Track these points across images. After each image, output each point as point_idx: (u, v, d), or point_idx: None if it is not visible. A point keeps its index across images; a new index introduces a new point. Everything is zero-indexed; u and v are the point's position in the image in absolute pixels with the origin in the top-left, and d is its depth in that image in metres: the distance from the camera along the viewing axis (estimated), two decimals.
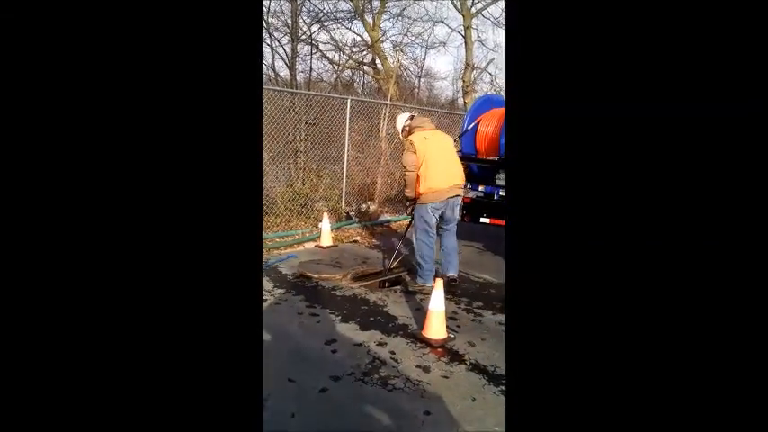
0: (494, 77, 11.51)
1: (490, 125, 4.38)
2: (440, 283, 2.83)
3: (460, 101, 11.41)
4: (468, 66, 9.98)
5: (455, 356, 2.63)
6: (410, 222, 3.97)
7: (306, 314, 3.13)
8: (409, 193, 3.68)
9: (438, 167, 3.58)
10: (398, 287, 3.80)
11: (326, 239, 4.96)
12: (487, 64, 11.36)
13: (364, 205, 7.00)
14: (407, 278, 3.99)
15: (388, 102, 8.06)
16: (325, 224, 5.00)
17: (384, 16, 10.29)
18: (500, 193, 4.29)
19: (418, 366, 2.50)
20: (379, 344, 2.74)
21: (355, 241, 5.36)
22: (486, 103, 4.67)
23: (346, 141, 6.15)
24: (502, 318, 3.25)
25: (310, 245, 5.03)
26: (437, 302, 2.81)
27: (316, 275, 3.83)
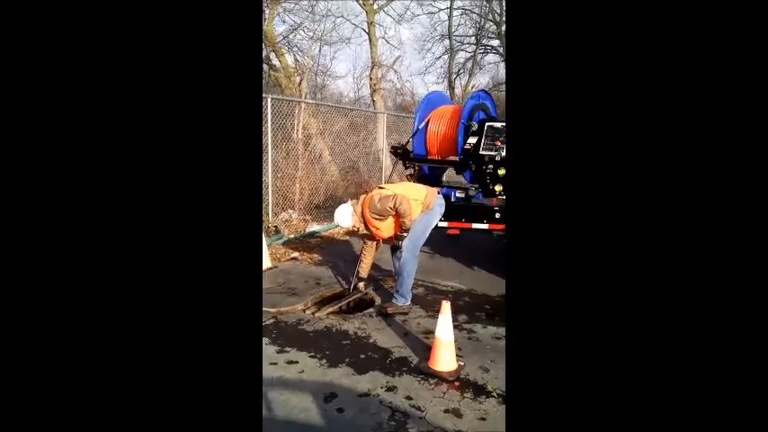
0: (398, 74, 11.47)
1: (441, 124, 4.14)
2: (447, 307, 2.48)
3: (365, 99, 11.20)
4: (375, 63, 9.75)
5: (478, 389, 2.30)
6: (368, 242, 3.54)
7: (281, 363, 2.53)
8: (410, 219, 3.20)
9: (411, 187, 3.39)
10: (369, 310, 3.36)
11: (264, 261, 4.28)
12: (394, 61, 11.25)
13: (284, 214, 6.33)
14: (377, 298, 3.57)
15: (302, 99, 7.45)
16: (263, 244, 4.31)
17: (278, 9, 9.54)
18: (456, 195, 4.08)
19: (447, 411, 2.11)
20: (388, 389, 2.29)
21: (294, 259, 4.74)
22: (431, 101, 4.43)
23: (269, 145, 5.44)
24: (496, 331, 3.02)
25: None
26: (446, 330, 2.45)
27: (273, 310, 3.20)
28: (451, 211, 4.01)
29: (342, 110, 8.19)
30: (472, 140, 3.84)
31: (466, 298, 3.64)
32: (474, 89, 14.07)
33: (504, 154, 3.67)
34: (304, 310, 3.27)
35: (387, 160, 8.71)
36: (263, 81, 9.90)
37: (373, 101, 9.93)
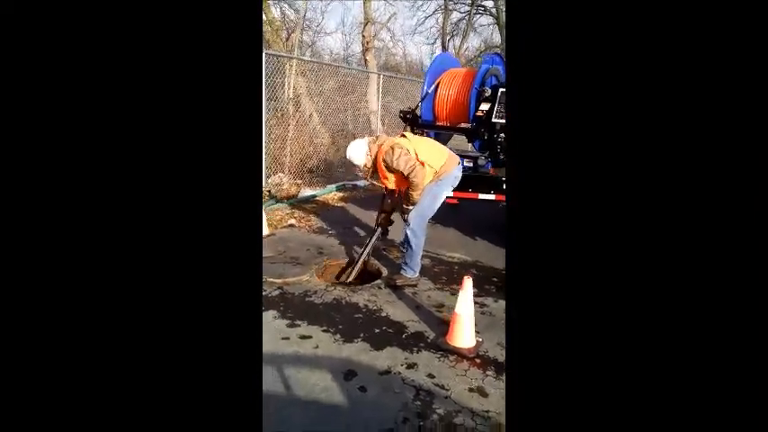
0: (392, 33, 10.97)
1: (452, 88, 3.92)
2: (468, 283, 2.39)
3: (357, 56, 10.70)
4: (369, 20, 9.26)
5: (499, 367, 2.25)
6: (387, 211, 3.39)
7: (294, 338, 2.43)
8: (420, 193, 3.05)
9: (432, 145, 3.18)
10: (377, 281, 3.26)
11: (263, 228, 4.10)
12: (389, 19, 10.72)
13: (275, 178, 6.08)
14: (383, 269, 3.47)
15: (296, 56, 7.03)
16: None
17: None
18: (464, 163, 3.93)
19: (471, 390, 2.06)
20: (409, 366, 2.22)
21: (291, 225, 4.57)
22: (442, 63, 4.18)
23: (263, 105, 5.13)
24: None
25: None
26: (467, 306, 2.37)
27: (279, 280, 3.06)
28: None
29: (332, 69, 7.79)
30: (484, 107, 3.67)
31: (473, 270, 3.58)
32: (467, 52, 13.65)
33: None
34: (309, 281, 3.15)
35: (379, 123, 8.44)
36: None
37: (365, 60, 9.51)
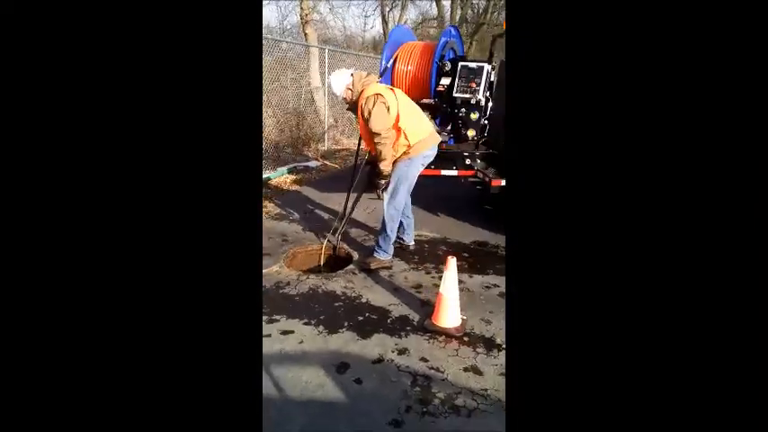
0: (332, 6, 10.53)
1: (411, 63, 3.81)
2: (453, 263, 2.37)
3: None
4: None
5: (488, 343, 2.28)
6: (356, 189, 3.27)
7: (275, 334, 2.29)
8: (387, 164, 2.89)
9: (417, 114, 3.02)
10: (351, 266, 3.17)
11: None
12: None
13: None
14: (353, 253, 3.38)
15: None
16: None
17: None
18: None
19: (466, 370, 2.07)
20: (400, 352, 2.18)
21: None
22: (401, 36, 4.03)
23: None
24: (482, 280, 3.01)
25: None
26: (452, 287, 2.36)
27: None
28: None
29: (271, 43, 7.32)
30: (445, 81, 3.61)
31: (442, 246, 3.59)
32: (406, 24, 13.45)
33: (479, 97, 3.50)
34: (279, 272, 3.00)
35: (326, 99, 8.16)
36: None
37: (305, 33, 9.07)
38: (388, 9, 13.28)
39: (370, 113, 2.79)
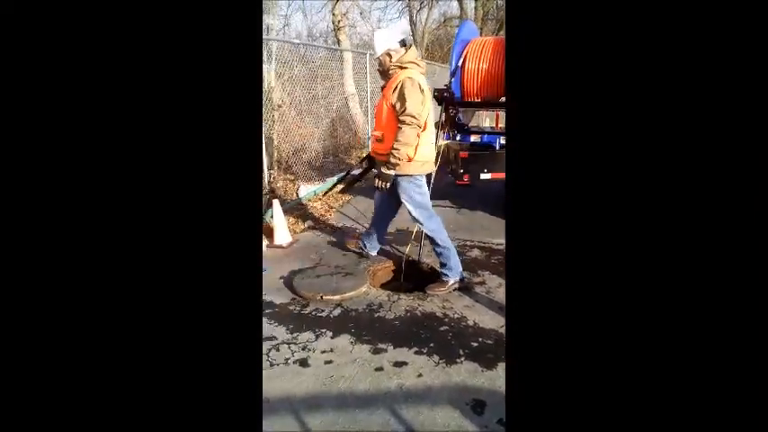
0: (363, 11, 10.40)
1: (483, 61, 3.56)
2: None
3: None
4: None
5: None
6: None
7: (388, 366, 2.06)
8: (402, 156, 2.59)
9: (430, 131, 2.77)
10: (441, 290, 2.92)
11: (284, 235, 3.65)
12: None
13: (266, 174, 5.53)
14: (436, 267, 3.13)
15: (275, 38, 6.38)
16: (279, 214, 3.64)
17: None
18: (501, 142, 3.63)
19: None
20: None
21: (312, 228, 4.13)
22: (468, 33, 3.79)
23: (273, 89, 4.55)
24: None
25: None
26: None
27: (337, 297, 2.67)
28: (496, 162, 3.58)
29: (304, 52, 7.13)
30: None
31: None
32: (432, 24, 13.22)
33: None
34: (367, 293, 2.77)
35: (357, 108, 7.97)
36: None
37: (338, 40, 8.93)
38: (416, 11, 13.07)
39: (405, 95, 2.52)
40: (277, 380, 1.97)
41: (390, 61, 2.68)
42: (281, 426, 1.71)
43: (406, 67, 2.66)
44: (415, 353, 2.17)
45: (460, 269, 2.80)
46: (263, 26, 7.81)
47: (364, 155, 3.12)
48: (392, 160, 2.61)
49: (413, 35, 13.45)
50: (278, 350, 2.20)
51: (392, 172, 2.67)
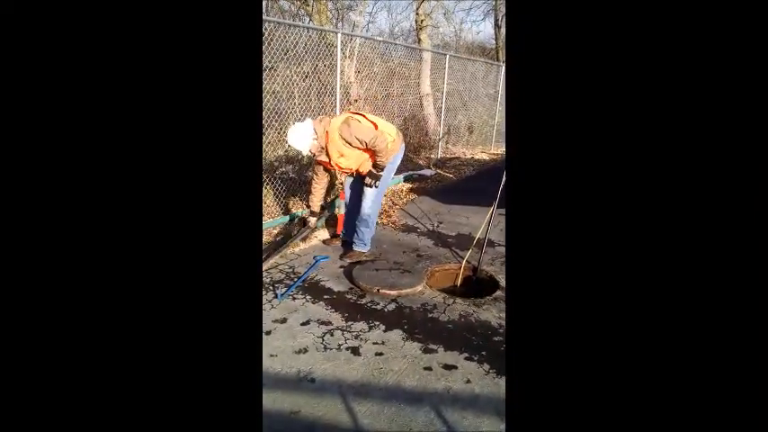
0: (446, 10, 10.36)
1: None
2: None
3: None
4: None
5: None
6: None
7: (436, 367, 2.07)
8: (385, 161, 3.06)
9: (383, 120, 3.18)
10: (498, 293, 2.87)
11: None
12: None
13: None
14: (498, 279, 3.08)
15: (351, 32, 6.57)
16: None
17: None
18: None
19: None
20: None
21: (380, 223, 4.21)
22: None
23: (351, 84, 4.71)
24: None
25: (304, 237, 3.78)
26: None
27: (393, 292, 2.71)
28: None
29: (382, 50, 7.20)
30: None
31: None
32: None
33: None
34: (423, 292, 2.79)
35: (431, 108, 7.95)
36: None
37: (419, 39, 8.97)
38: (501, 14, 12.77)
39: (351, 135, 2.88)
40: (329, 363, 2.05)
41: (319, 141, 2.97)
42: (327, 406, 1.78)
43: (327, 131, 2.97)
44: (466, 358, 2.15)
45: (370, 244, 3.35)
46: (351, 23, 8.03)
47: (315, 207, 3.48)
48: (380, 167, 3.08)
49: (495, 38, 13.17)
50: (332, 335, 2.29)
51: (382, 172, 3.13)
